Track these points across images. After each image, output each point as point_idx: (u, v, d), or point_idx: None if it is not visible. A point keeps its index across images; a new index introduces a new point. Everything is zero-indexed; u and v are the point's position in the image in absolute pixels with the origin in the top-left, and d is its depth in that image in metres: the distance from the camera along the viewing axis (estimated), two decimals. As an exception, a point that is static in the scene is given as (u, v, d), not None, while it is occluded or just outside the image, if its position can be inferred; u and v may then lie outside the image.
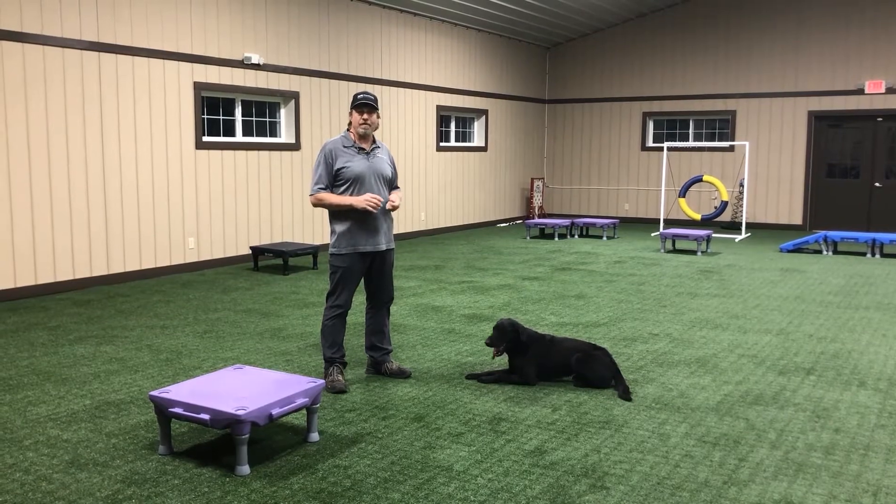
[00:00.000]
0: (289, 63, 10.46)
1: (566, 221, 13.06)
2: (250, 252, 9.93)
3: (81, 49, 7.98)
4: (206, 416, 3.56)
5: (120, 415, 4.32)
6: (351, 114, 4.80)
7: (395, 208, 4.84)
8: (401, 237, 12.72)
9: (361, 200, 4.67)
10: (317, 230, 11.16)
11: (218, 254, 9.66)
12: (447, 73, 13.67)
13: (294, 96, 10.56)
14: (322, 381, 3.96)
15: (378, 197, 4.70)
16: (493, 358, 5.19)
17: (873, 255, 11.01)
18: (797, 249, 11.58)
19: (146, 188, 8.73)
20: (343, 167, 4.72)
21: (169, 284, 8.41)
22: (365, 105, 4.73)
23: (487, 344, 4.88)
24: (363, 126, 4.75)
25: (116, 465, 3.64)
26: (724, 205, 12.93)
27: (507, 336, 4.86)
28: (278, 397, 3.68)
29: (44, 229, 7.77)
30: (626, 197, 16.16)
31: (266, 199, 10.28)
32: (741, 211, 14.57)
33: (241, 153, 9.90)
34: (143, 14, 8.56)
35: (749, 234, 13.88)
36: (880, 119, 13.78)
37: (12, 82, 7.44)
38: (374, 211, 4.71)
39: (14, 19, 7.40)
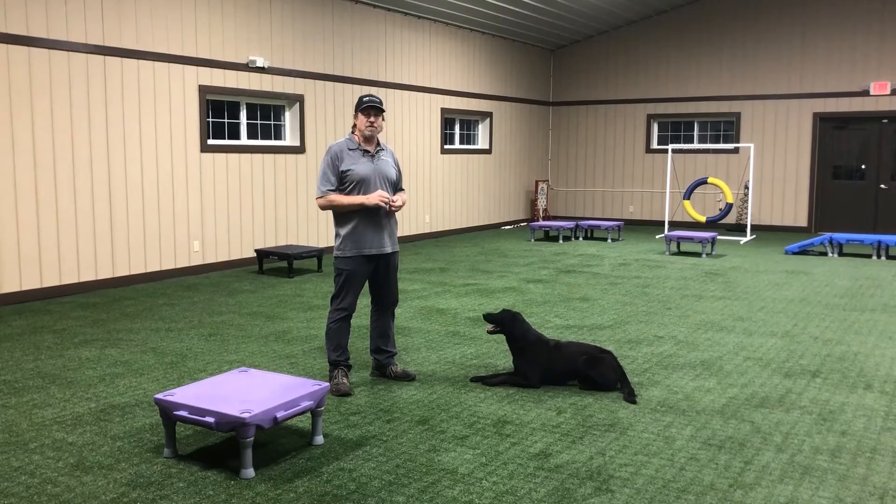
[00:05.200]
0: (293, 66, 10.48)
1: (571, 224, 13.05)
2: (255, 255, 9.94)
3: (87, 53, 8.00)
4: (210, 419, 3.56)
5: (125, 418, 4.33)
6: (356, 116, 4.80)
7: (397, 208, 4.84)
8: (405, 240, 12.72)
9: (374, 198, 4.68)
10: (322, 233, 11.17)
11: (223, 257, 9.68)
12: (452, 75, 13.68)
13: (299, 99, 10.58)
14: (327, 383, 3.97)
15: (388, 195, 4.74)
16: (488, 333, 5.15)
17: (879, 257, 10.97)
18: (802, 251, 11.55)
19: (151, 191, 8.75)
20: (348, 169, 4.73)
21: (174, 287, 8.42)
22: (371, 108, 4.74)
23: (484, 317, 5.01)
24: (369, 129, 4.76)
25: (121, 468, 3.65)
26: (729, 207, 12.90)
27: (504, 323, 4.94)
28: (283, 400, 3.69)
29: (49, 232, 7.79)
30: (630, 199, 16.14)
31: (271, 202, 10.30)
32: (746, 213, 14.54)
33: (245, 156, 9.91)
34: (149, 18, 8.59)
35: (754, 236, 13.85)
36: (885, 121, 13.74)
37: (18, 86, 7.47)
38: (386, 207, 4.72)
39: (20, 23, 7.43)
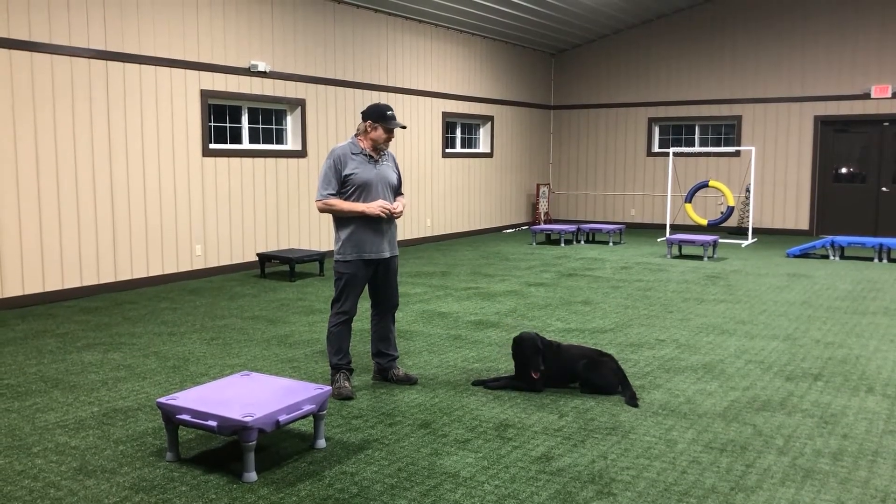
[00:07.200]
0: (295, 70, 10.51)
1: (572, 227, 13.06)
2: (257, 259, 9.95)
3: (89, 58, 8.03)
4: (213, 423, 3.57)
5: (127, 421, 4.33)
6: (374, 127, 4.78)
7: (398, 215, 4.85)
8: (407, 243, 12.73)
9: (376, 207, 4.70)
10: (323, 237, 11.18)
11: (225, 261, 9.69)
12: (453, 79, 13.70)
13: (300, 103, 10.60)
14: (329, 387, 3.97)
15: (390, 204, 4.75)
16: (536, 378, 4.84)
17: (880, 260, 10.97)
18: (804, 254, 11.55)
19: (153, 195, 8.77)
20: (351, 174, 4.74)
21: (176, 291, 8.43)
22: (396, 127, 4.83)
23: (534, 371, 4.74)
24: (386, 143, 4.85)
25: (124, 471, 3.65)
26: (731, 210, 12.90)
27: (539, 350, 4.81)
28: (285, 404, 3.69)
29: (52, 236, 7.81)
30: (632, 202, 16.15)
31: (273, 206, 10.31)
32: (747, 216, 14.54)
33: (247, 160, 9.93)
34: (151, 22, 8.61)
35: (755, 239, 13.85)
36: (887, 123, 13.74)
37: (21, 91, 7.49)
38: (386, 216, 4.75)
39: (23, 29, 7.46)
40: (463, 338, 6.30)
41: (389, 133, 4.80)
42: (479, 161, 14.65)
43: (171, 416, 3.70)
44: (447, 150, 13.78)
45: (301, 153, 10.69)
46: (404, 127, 4.94)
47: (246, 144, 10.12)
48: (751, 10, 14.62)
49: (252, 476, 3.55)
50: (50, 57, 7.69)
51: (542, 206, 16.24)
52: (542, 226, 13.44)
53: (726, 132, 15.21)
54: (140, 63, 8.52)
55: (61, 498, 3.37)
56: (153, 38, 8.66)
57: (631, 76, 15.94)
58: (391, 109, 4.82)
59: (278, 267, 10.21)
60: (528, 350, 4.79)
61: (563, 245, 12.86)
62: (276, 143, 10.61)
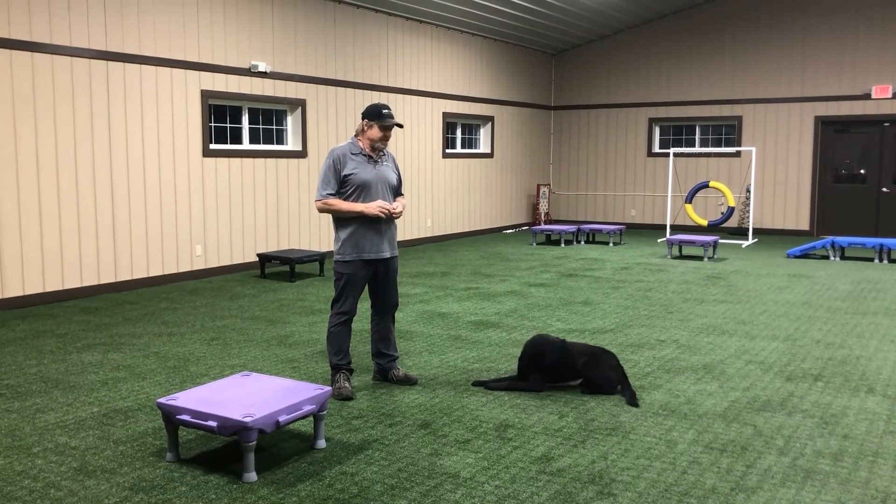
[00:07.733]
0: (295, 71, 10.51)
1: (572, 227, 13.05)
2: (257, 259, 9.95)
3: (90, 58, 8.03)
4: (213, 424, 3.57)
5: (128, 422, 4.33)
6: (369, 126, 4.79)
7: (397, 215, 4.85)
8: (407, 244, 12.73)
9: (374, 207, 4.70)
10: (323, 237, 11.18)
11: (225, 261, 9.69)
12: (453, 80, 13.70)
13: (301, 104, 10.60)
14: (329, 388, 3.97)
15: (389, 205, 4.75)
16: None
17: (881, 260, 10.97)
18: (804, 255, 11.55)
19: (153, 196, 8.77)
20: (351, 174, 4.74)
21: (176, 292, 8.43)
22: (392, 125, 4.78)
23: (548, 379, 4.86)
24: (383, 141, 4.81)
25: (124, 472, 3.65)
26: (731, 210, 12.90)
27: (571, 358, 4.83)
28: (285, 404, 3.69)
29: (52, 237, 7.81)
30: (632, 203, 16.14)
31: (273, 207, 10.31)
32: (748, 216, 14.54)
33: (247, 161, 9.93)
34: (151, 23, 8.61)
35: (756, 239, 13.85)
36: (887, 124, 13.74)
37: (21, 91, 7.49)
38: (385, 217, 4.75)
39: (23, 29, 7.46)
40: (463, 338, 6.30)
41: (385, 131, 4.79)
42: (480, 161, 14.65)
43: (171, 417, 3.70)
44: (447, 151, 13.78)
45: (301, 153, 10.69)
46: (400, 125, 4.90)
47: (246, 145, 10.13)
48: (751, 10, 14.61)
49: (252, 476, 3.55)
50: (50, 57, 7.69)
51: (543, 207, 16.24)
52: (543, 226, 13.44)
53: (727, 132, 15.21)
54: (140, 63, 8.52)
55: (61, 498, 3.37)
56: (153, 38, 8.66)
57: (631, 76, 15.94)
58: (388, 108, 4.81)
59: (278, 267, 10.21)
60: (558, 357, 4.79)
61: (563, 245, 12.86)
62: (277, 143, 10.61)
